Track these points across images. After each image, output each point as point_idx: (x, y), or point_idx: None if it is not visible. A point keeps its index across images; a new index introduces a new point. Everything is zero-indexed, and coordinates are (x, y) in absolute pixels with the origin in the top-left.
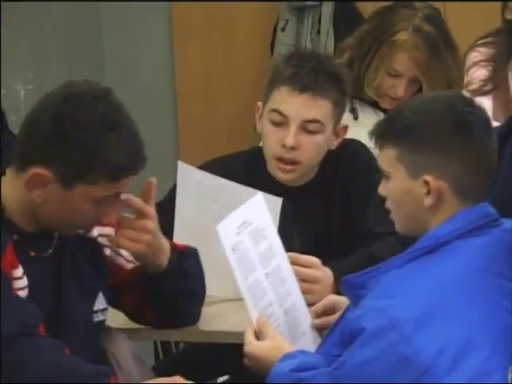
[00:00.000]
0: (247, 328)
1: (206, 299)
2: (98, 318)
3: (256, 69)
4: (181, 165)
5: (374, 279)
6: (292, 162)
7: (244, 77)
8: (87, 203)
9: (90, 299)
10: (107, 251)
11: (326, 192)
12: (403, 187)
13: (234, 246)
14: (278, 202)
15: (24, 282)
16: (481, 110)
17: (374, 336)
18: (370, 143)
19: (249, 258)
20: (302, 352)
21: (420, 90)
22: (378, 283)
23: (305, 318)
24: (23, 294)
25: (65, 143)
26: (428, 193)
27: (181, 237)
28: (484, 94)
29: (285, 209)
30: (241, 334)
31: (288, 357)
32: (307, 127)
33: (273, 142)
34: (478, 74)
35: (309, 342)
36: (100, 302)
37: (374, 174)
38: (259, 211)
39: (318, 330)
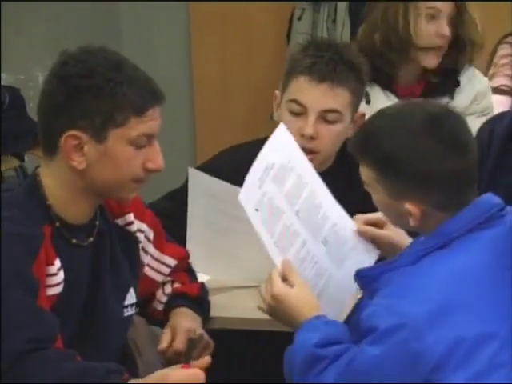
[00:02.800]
0: (273, 271)
1: (225, 287)
2: (127, 312)
3: (272, 57)
4: (191, 170)
5: (387, 275)
6: (311, 152)
7: (260, 65)
8: (125, 147)
9: (122, 294)
10: (145, 259)
11: (343, 180)
12: (385, 204)
13: (257, 205)
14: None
15: (59, 277)
16: (454, 132)
17: (386, 334)
18: None
19: (274, 207)
20: (327, 323)
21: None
22: (390, 280)
23: (350, 233)
24: (57, 290)
25: (80, 97)
26: (410, 215)
27: (195, 234)
28: None
29: None
30: (258, 321)
31: (311, 327)
32: (326, 117)
33: (291, 131)
34: (504, 68)
35: (359, 256)
36: (131, 297)
37: None
38: (282, 145)
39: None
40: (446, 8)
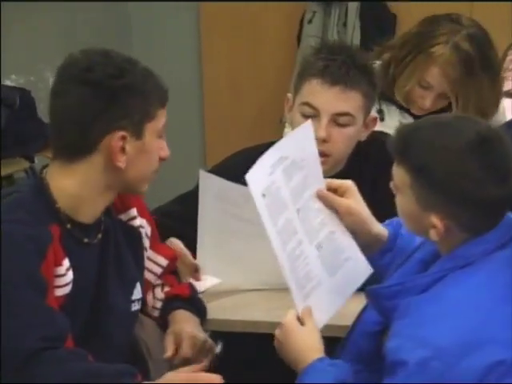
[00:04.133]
0: (291, 311)
1: (234, 290)
2: (134, 307)
3: (281, 60)
4: (202, 173)
5: (405, 301)
6: (323, 155)
7: (269, 68)
8: (156, 140)
9: (129, 289)
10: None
11: (358, 181)
12: (411, 211)
13: (264, 191)
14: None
15: (68, 278)
16: (500, 158)
17: (418, 369)
18: None
19: (280, 198)
20: (332, 365)
21: (450, 105)
22: (409, 307)
23: (348, 243)
24: (65, 291)
25: (118, 98)
26: (434, 227)
27: (205, 236)
28: None
29: None
30: (268, 324)
31: (318, 372)
32: (338, 120)
33: None
34: None
35: (355, 267)
36: (137, 292)
37: None
38: (302, 141)
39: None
40: (439, 88)
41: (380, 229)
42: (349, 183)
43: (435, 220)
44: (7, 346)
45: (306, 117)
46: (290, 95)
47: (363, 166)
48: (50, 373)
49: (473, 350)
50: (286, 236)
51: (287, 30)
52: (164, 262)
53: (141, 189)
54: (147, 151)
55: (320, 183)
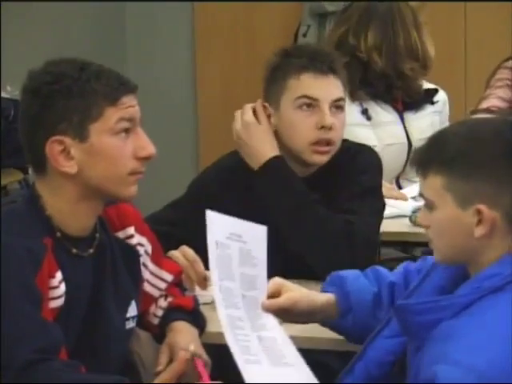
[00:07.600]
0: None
1: None
2: (129, 325)
3: None
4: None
5: (448, 324)
6: (328, 143)
7: (263, 69)
8: (109, 139)
9: (124, 306)
10: (145, 274)
11: (326, 187)
12: (450, 217)
13: (219, 244)
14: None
15: (60, 290)
16: None
17: None
18: (389, 139)
19: (229, 266)
20: None
21: None
22: (454, 329)
23: (290, 352)
24: (59, 303)
25: (53, 103)
26: (479, 223)
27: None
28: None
29: None
30: None
31: None
32: (335, 107)
33: (308, 127)
34: (498, 91)
35: (293, 374)
36: (132, 310)
37: (362, 177)
38: (259, 240)
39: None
40: None
41: (324, 296)
42: (276, 281)
43: (481, 207)
44: (1, 358)
45: (305, 110)
46: (266, 104)
47: (334, 172)
48: (43, 383)
49: None
50: (227, 299)
51: (282, 31)
52: (169, 277)
53: (119, 193)
54: (100, 152)
55: (264, 291)
